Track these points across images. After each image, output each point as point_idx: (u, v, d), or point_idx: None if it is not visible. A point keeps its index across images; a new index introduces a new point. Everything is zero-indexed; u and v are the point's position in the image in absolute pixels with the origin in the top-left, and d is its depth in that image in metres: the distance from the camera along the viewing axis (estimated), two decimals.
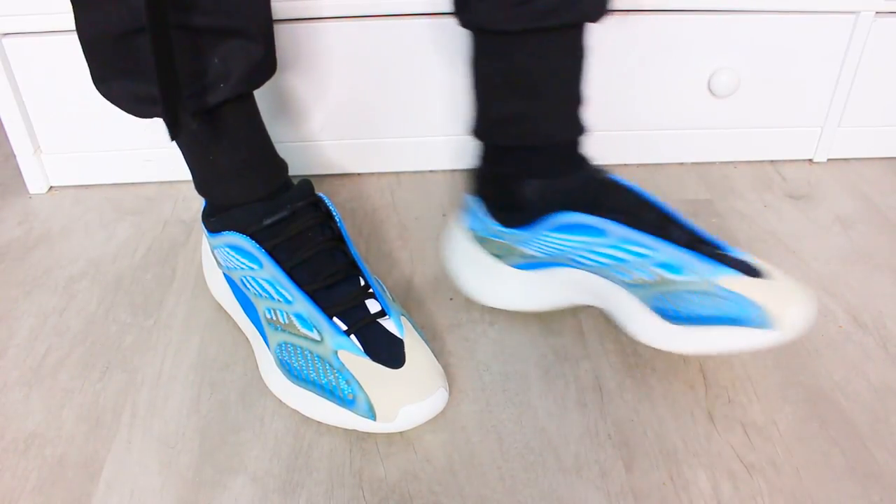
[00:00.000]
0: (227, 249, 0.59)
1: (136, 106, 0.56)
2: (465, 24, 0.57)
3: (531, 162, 0.60)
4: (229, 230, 0.58)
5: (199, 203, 0.80)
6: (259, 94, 0.60)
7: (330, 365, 0.53)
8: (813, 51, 0.80)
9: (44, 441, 0.55)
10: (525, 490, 0.51)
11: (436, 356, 0.56)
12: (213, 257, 0.63)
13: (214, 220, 0.60)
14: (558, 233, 0.58)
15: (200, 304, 0.67)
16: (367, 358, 0.53)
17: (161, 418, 0.56)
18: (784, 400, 0.58)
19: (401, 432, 0.55)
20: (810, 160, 0.88)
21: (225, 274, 0.62)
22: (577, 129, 0.60)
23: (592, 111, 0.83)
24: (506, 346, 0.62)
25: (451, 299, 0.67)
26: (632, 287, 0.58)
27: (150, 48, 0.48)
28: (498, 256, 0.63)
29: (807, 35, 0.79)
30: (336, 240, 0.58)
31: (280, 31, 0.74)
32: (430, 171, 0.86)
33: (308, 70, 0.77)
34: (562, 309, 0.65)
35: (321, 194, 0.60)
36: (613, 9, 0.57)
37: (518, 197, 0.60)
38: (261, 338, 0.59)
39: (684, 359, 0.61)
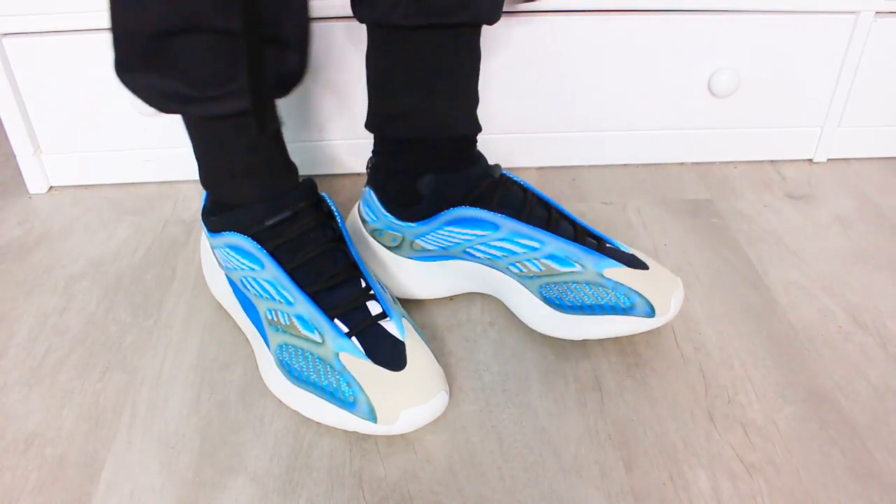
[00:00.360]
0: (228, 250, 0.59)
1: (159, 100, 0.55)
2: (361, 19, 0.58)
3: (425, 157, 0.61)
4: (230, 230, 0.58)
5: (199, 203, 0.80)
6: None
7: (331, 367, 0.53)
8: (813, 51, 0.81)
9: (44, 441, 0.55)
10: (525, 490, 0.51)
11: (436, 357, 0.56)
12: (213, 256, 0.63)
13: (215, 219, 0.60)
14: (453, 227, 0.61)
15: (200, 304, 0.67)
16: (369, 360, 0.53)
17: (161, 418, 0.56)
18: (784, 400, 0.58)
19: (401, 433, 0.55)
20: (810, 160, 0.88)
21: (226, 274, 0.62)
22: (471, 126, 0.62)
23: (593, 111, 0.83)
24: (506, 346, 0.62)
25: (451, 299, 0.67)
26: (522, 278, 0.61)
27: (244, 52, 0.50)
28: (394, 248, 0.65)
29: (807, 35, 0.79)
30: (337, 240, 0.58)
31: None
32: None
33: (312, 69, 0.77)
34: (460, 295, 0.67)
35: (324, 194, 0.60)
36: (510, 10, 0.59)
37: (412, 191, 0.62)
38: (261, 338, 0.58)
39: (684, 359, 0.61)
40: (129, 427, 0.56)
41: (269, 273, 0.56)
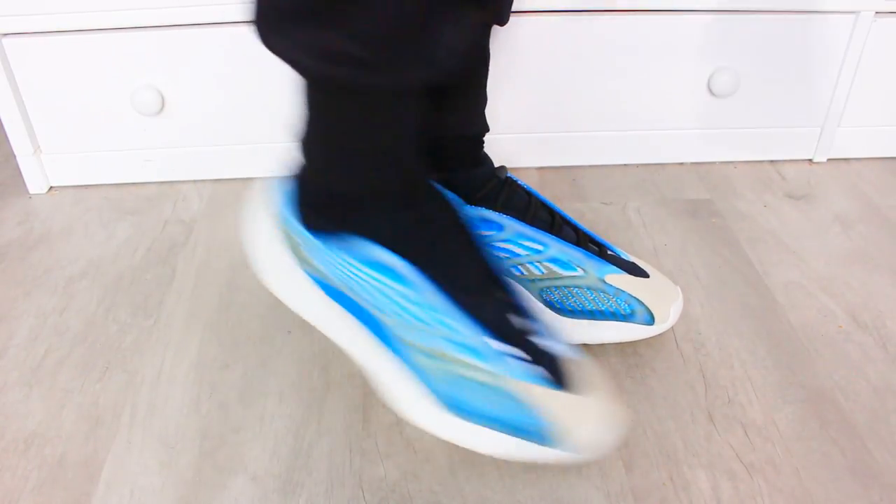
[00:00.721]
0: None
1: (316, 60, 0.42)
2: None
3: (433, 155, 0.59)
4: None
5: (198, 203, 0.80)
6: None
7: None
8: (813, 51, 0.80)
9: (44, 441, 0.55)
10: (525, 490, 0.51)
11: None
12: (290, 257, 0.52)
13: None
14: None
15: (200, 304, 0.67)
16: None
17: (161, 418, 0.56)
18: (784, 400, 0.58)
19: (400, 431, 0.55)
20: (810, 160, 0.88)
21: (318, 279, 0.52)
22: (479, 126, 0.63)
23: (593, 111, 0.83)
24: None
25: None
26: (524, 281, 0.61)
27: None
28: None
29: (807, 35, 0.79)
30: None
31: None
32: None
33: None
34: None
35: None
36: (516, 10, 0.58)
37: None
38: (386, 349, 0.50)
39: (684, 359, 0.61)
40: (128, 427, 0.56)
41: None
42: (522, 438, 0.48)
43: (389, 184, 0.49)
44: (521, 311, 0.50)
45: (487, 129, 0.64)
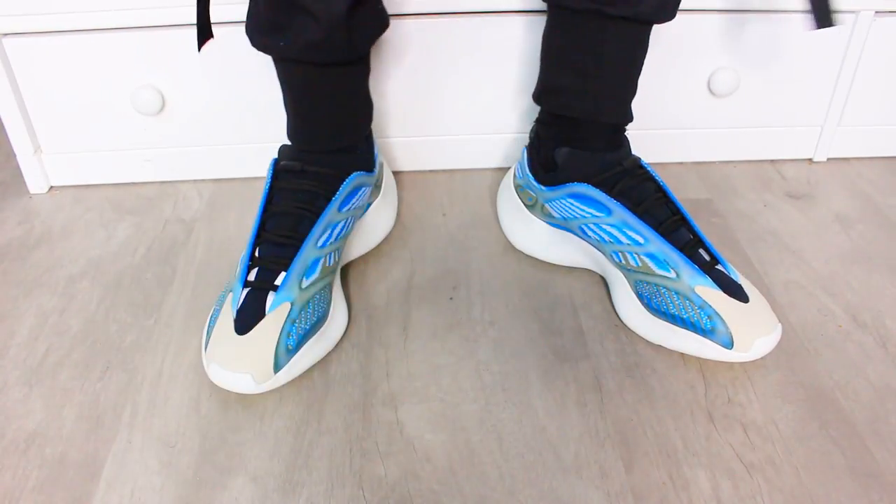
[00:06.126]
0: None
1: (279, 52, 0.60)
2: None
3: (567, 132, 0.67)
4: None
5: (198, 203, 0.80)
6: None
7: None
8: (813, 51, 0.81)
9: (44, 440, 0.55)
10: (525, 490, 0.51)
11: (436, 356, 0.57)
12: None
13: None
14: (574, 200, 0.65)
15: (200, 304, 0.67)
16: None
17: (161, 418, 0.56)
18: (784, 400, 0.58)
19: (400, 431, 0.55)
20: (810, 160, 0.88)
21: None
22: (618, 114, 0.65)
23: None
24: (506, 346, 0.62)
25: (450, 299, 0.67)
26: (622, 268, 0.64)
27: None
28: (529, 207, 0.71)
29: (806, 35, 0.79)
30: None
31: None
32: (431, 171, 0.86)
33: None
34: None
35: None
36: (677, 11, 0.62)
37: (552, 160, 0.68)
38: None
39: (684, 359, 0.61)
40: (129, 426, 0.56)
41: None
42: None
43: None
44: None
45: (628, 119, 0.66)
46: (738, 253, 0.73)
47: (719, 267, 0.60)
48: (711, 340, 0.58)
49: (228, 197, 0.82)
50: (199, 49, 0.59)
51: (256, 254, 0.59)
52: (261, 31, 0.59)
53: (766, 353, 0.58)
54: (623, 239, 0.62)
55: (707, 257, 0.61)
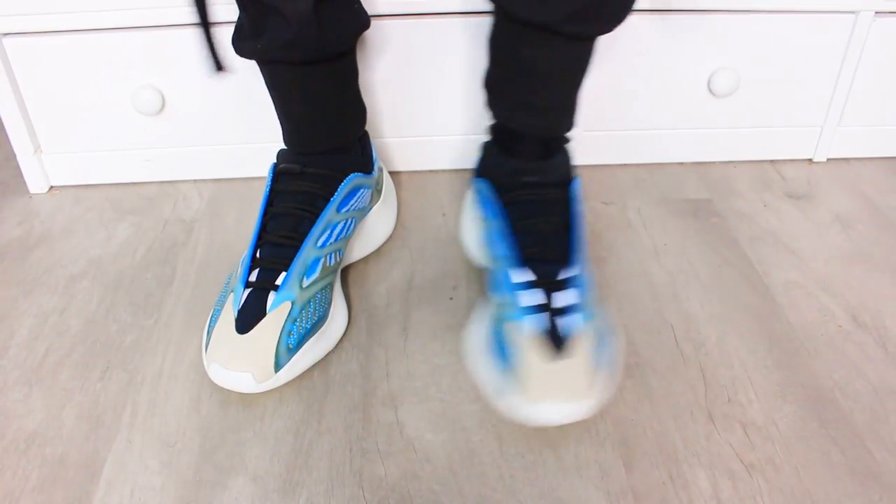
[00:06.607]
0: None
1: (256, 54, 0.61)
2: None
3: (496, 128, 0.67)
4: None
5: (198, 203, 0.80)
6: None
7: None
8: (813, 51, 0.81)
9: (44, 440, 0.55)
10: (525, 490, 0.51)
11: (436, 356, 0.57)
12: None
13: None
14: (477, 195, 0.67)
15: (200, 304, 0.67)
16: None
17: (161, 418, 0.56)
18: (784, 400, 0.58)
19: (400, 431, 0.55)
20: (810, 160, 0.88)
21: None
22: (548, 127, 0.64)
23: (592, 111, 0.83)
24: None
25: (450, 299, 0.67)
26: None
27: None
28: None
29: (807, 35, 0.79)
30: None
31: None
32: (430, 171, 0.86)
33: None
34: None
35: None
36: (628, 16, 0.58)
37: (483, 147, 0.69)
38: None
39: (684, 359, 0.61)
40: (129, 426, 0.56)
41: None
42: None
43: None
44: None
45: (559, 130, 0.64)
46: (737, 253, 0.73)
47: (567, 309, 0.55)
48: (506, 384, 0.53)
49: (228, 197, 0.82)
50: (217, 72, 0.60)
51: (258, 255, 0.60)
52: (243, 38, 0.60)
53: (551, 422, 0.51)
54: (496, 244, 0.60)
55: (553, 284, 0.56)
